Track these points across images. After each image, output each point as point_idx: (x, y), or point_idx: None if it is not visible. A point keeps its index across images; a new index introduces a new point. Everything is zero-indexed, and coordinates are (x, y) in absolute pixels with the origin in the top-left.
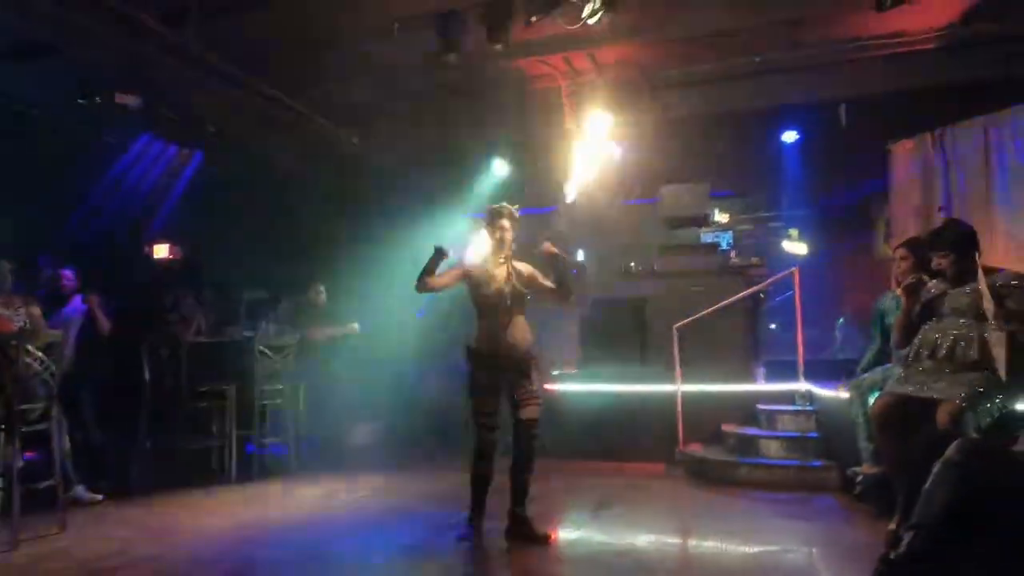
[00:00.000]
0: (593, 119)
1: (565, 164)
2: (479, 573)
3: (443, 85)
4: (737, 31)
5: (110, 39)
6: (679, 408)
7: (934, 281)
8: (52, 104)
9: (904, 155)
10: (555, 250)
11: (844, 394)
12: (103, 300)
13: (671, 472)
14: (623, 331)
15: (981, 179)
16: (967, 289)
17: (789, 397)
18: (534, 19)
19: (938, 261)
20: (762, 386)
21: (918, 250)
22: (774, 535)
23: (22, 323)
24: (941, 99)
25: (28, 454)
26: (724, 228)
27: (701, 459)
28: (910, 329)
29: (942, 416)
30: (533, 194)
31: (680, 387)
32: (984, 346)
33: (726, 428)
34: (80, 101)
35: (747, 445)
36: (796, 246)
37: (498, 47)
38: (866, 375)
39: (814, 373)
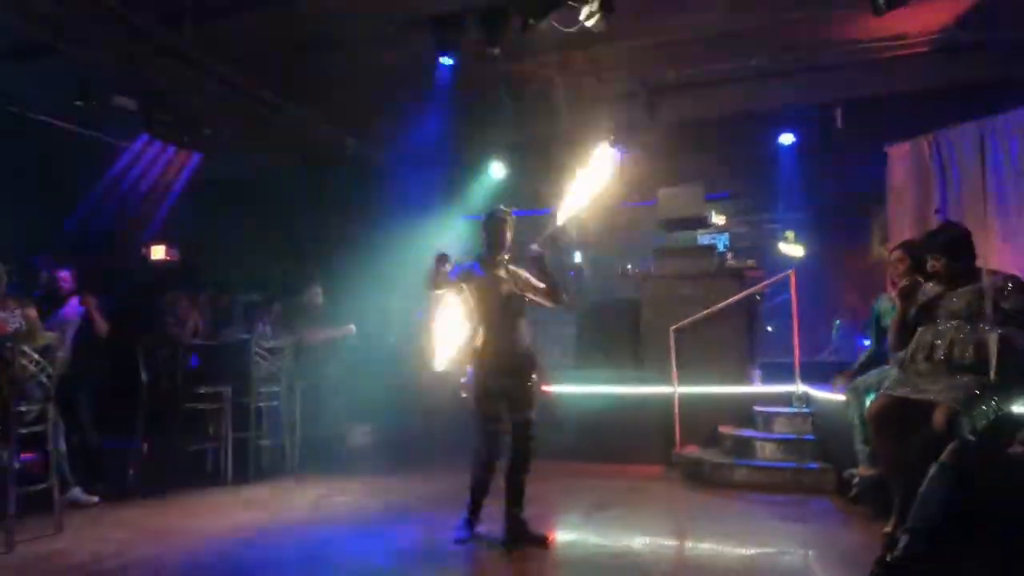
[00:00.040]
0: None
1: (560, 170)
2: (477, 575)
3: (442, 87)
4: (734, 34)
5: (108, 40)
6: (676, 410)
7: (930, 284)
8: (50, 105)
9: (900, 158)
10: (540, 251)
11: (838, 393)
12: (100, 301)
13: (667, 474)
14: (620, 333)
15: (977, 182)
16: (962, 291)
17: (785, 399)
18: (531, 22)
19: (932, 264)
20: (758, 388)
21: (914, 252)
22: (770, 537)
23: (18, 325)
24: (937, 102)
25: (25, 456)
26: (721, 230)
27: (698, 461)
28: (906, 332)
29: (938, 418)
30: (529, 196)
31: (677, 389)
32: (980, 349)
33: (723, 430)
34: (78, 103)
35: (743, 447)
36: (792, 248)
37: (495, 50)
38: (862, 377)
39: (810, 375)
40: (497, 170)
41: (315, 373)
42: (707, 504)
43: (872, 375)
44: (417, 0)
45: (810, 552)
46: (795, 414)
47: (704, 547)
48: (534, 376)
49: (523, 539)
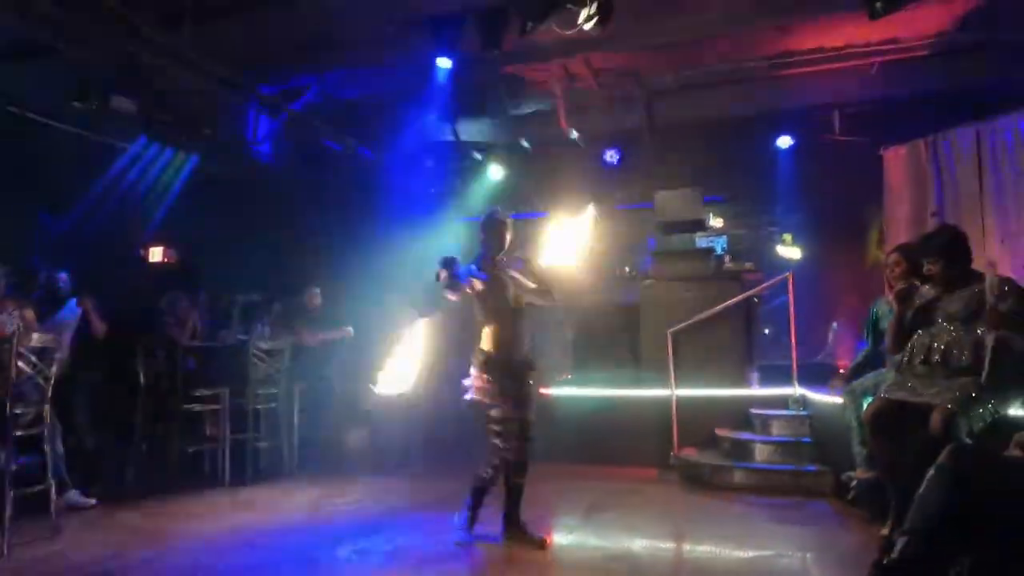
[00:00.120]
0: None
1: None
2: None
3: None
4: (732, 37)
5: (107, 41)
6: (673, 412)
7: (926, 286)
8: (49, 106)
9: (897, 161)
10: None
11: (835, 395)
12: (98, 303)
13: (665, 477)
14: (617, 335)
15: (974, 184)
16: (959, 294)
17: (783, 402)
18: (530, 25)
19: (929, 267)
20: (756, 390)
21: (911, 255)
22: (768, 540)
23: (15, 326)
24: (935, 105)
25: (21, 459)
26: (719, 233)
27: (695, 463)
28: (903, 334)
29: (935, 421)
30: (527, 199)
31: (675, 391)
32: (976, 351)
33: (720, 432)
34: (75, 104)
35: (741, 450)
36: (790, 251)
37: (494, 52)
38: (859, 380)
39: (808, 377)
40: (495, 172)
41: (313, 375)
42: (705, 506)
43: (869, 378)
44: (416, 1)
45: (808, 555)
46: (792, 417)
47: (702, 549)
48: (533, 377)
49: (521, 541)
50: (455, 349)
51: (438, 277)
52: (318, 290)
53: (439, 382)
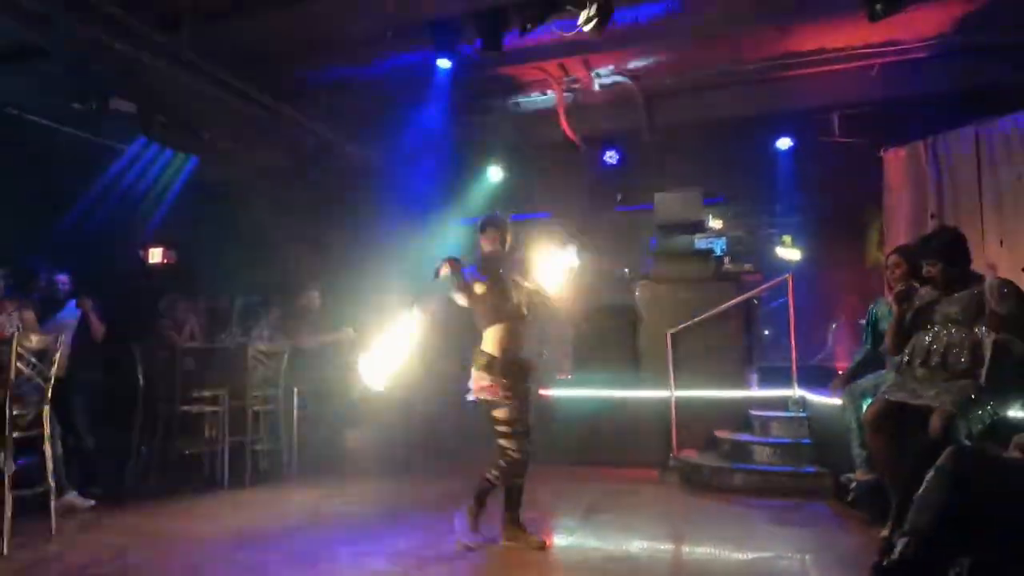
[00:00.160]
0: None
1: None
2: None
3: (440, 91)
4: (731, 39)
5: (106, 44)
6: (673, 414)
7: (925, 288)
8: (48, 107)
9: (897, 162)
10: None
11: (836, 397)
12: (97, 304)
13: (664, 478)
14: (617, 337)
15: (973, 186)
16: (958, 296)
17: (782, 403)
18: (529, 26)
19: (928, 269)
20: (755, 392)
21: (911, 257)
22: (767, 541)
23: (15, 328)
24: (934, 107)
25: (21, 460)
26: (718, 234)
27: (695, 465)
28: (902, 336)
29: (934, 423)
30: (526, 200)
31: (674, 393)
32: (975, 353)
33: (719, 434)
34: (75, 105)
35: (740, 451)
36: (790, 252)
37: (493, 54)
38: (859, 381)
39: (807, 379)
40: (495, 173)
41: (312, 377)
42: (704, 508)
43: (869, 379)
44: (415, 3)
45: (807, 556)
46: (792, 418)
47: (701, 551)
48: (532, 378)
49: (520, 542)
50: (455, 349)
51: (436, 274)
52: (317, 292)
53: (438, 382)
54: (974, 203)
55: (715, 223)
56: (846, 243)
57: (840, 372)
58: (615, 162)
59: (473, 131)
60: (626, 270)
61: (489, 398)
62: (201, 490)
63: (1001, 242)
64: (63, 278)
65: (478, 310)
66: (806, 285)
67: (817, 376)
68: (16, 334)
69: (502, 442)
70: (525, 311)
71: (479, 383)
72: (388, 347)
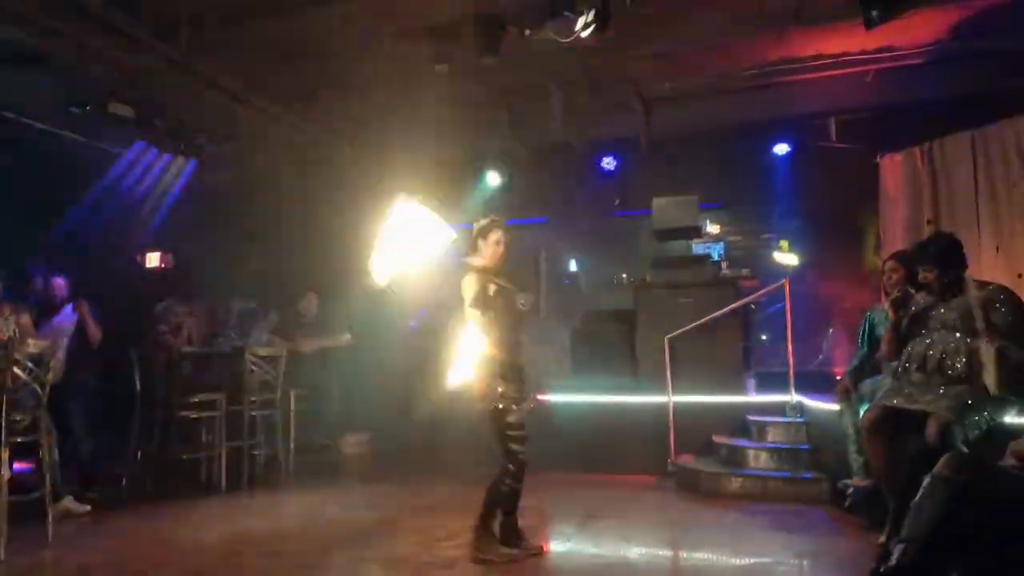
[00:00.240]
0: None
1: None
2: None
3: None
4: (729, 45)
5: (105, 49)
6: (670, 419)
7: (921, 294)
8: (46, 112)
9: (893, 168)
10: None
11: (837, 404)
12: (94, 309)
13: (662, 484)
14: (614, 342)
15: (969, 192)
16: (954, 302)
17: (780, 408)
18: (528, 32)
19: (924, 275)
20: (753, 397)
21: (908, 262)
22: (765, 547)
23: (11, 332)
24: (929, 113)
25: (18, 465)
26: (715, 239)
27: (692, 471)
28: (899, 342)
29: (931, 429)
30: (524, 206)
31: (671, 398)
32: (972, 359)
33: (717, 439)
34: (73, 110)
35: (738, 456)
36: (787, 258)
37: (490, 60)
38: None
39: (805, 384)
40: (492, 179)
41: (310, 382)
42: (702, 514)
43: (866, 385)
44: (414, 10)
45: (804, 562)
46: (789, 423)
47: (699, 557)
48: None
49: (518, 548)
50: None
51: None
52: (315, 297)
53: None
54: (970, 209)
55: (712, 228)
56: (843, 248)
57: (839, 378)
58: (612, 168)
59: (471, 136)
60: (624, 275)
61: (501, 405)
62: (198, 495)
63: (997, 248)
64: (60, 282)
65: (482, 316)
66: (803, 290)
67: (814, 381)
68: (13, 338)
69: (513, 446)
70: (523, 319)
71: (490, 389)
72: (465, 348)
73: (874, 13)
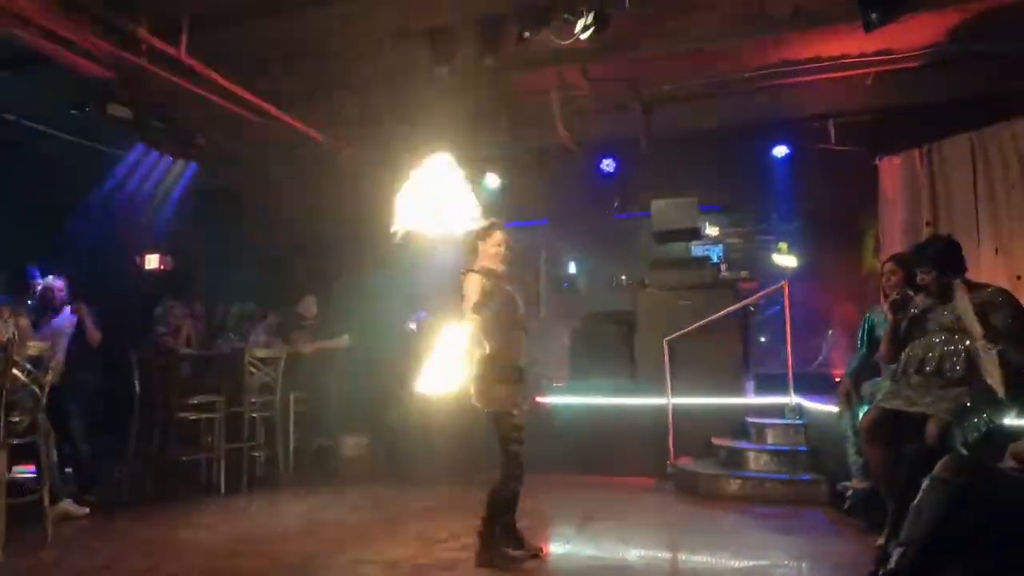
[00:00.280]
0: None
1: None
2: None
3: (436, 98)
4: (728, 47)
5: (104, 50)
6: (670, 421)
7: (920, 296)
8: (46, 113)
9: (892, 170)
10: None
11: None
12: (93, 310)
13: (661, 486)
14: (613, 344)
15: (968, 194)
16: (953, 304)
17: (779, 411)
18: (527, 34)
19: (922, 277)
20: (752, 399)
21: (906, 265)
22: (763, 549)
23: (10, 334)
24: (928, 115)
25: (15, 466)
26: (714, 241)
27: (691, 473)
28: (897, 343)
29: (930, 431)
30: (523, 208)
31: (671, 400)
32: (970, 361)
33: (716, 441)
34: (72, 111)
35: (737, 459)
36: (786, 259)
37: (490, 61)
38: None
39: (804, 386)
40: (492, 181)
41: (309, 383)
42: (701, 516)
43: (865, 387)
44: (413, 11)
45: (803, 564)
46: (788, 425)
47: (698, 559)
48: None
49: (517, 550)
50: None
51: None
52: (314, 299)
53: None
54: (969, 211)
55: (712, 230)
56: (842, 251)
57: (838, 380)
58: (611, 170)
59: (470, 138)
60: (623, 277)
61: (503, 407)
62: (198, 496)
63: (996, 250)
64: (59, 284)
65: (485, 319)
66: (802, 292)
67: (813, 383)
68: (12, 340)
69: (514, 448)
70: (524, 322)
71: (494, 393)
72: (449, 353)
73: (873, 16)
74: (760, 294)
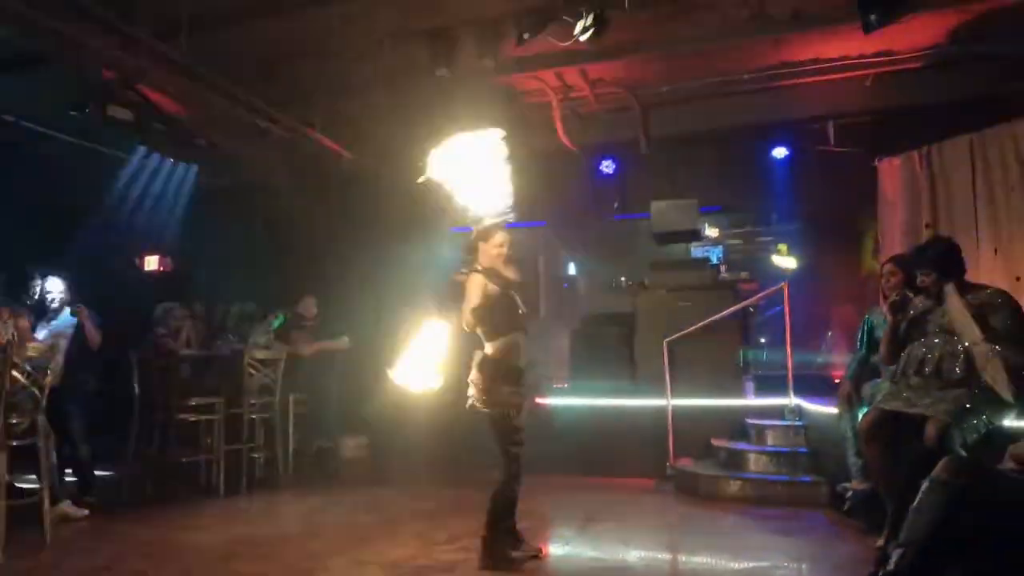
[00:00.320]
0: None
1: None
2: None
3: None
4: (728, 49)
5: (104, 52)
6: (669, 422)
7: (919, 297)
8: (46, 115)
9: (892, 171)
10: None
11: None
12: (93, 312)
13: (661, 487)
14: (613, 345)
15: (968, 195)
16: (943, 308)
17: (778, 412)
18: (526, 36)
19: (922, 279)
20: (752, 400)
21: (906, 266)
22: (763, 551)
23: (10, 335)
24: (928, 117)
25: (14, 468)
26: (714, 243)
27: (691, 474)
28: (897, 345)
29: (930, 432)
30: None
31: (670, 401)
32: (969, 363)
33: (716, 443)
34: (72, 113)
35: (737, 460)
36: (785, 261)
37: (489, 63)
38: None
39: (803, 388)
40: None
41: (309, 385)
42: (700, 517)
43: (865, 388)
44: (413, 12)
45: (803, 566)
46: (788, 427)
47: (697, 560)
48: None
49: (517, 551)
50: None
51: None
52: (314, 300)
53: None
54: (969, 213)
55: (711, 232)
56: (841, 252)
57: (838, 381)
58: (611, 172)
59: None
60: (623, 278)
61: (504, 408)
62: (197, 498)
63: (996, 251)
64: (59, 285)
65: (487, 320)
66: (802, 293)
67: (813, 385)
68: (11, 342)
69: (514, 449)
70: (524, 322)
71: (494, 395)
72: (428, 348)
73: (873, 17)
74: (760, 295)
